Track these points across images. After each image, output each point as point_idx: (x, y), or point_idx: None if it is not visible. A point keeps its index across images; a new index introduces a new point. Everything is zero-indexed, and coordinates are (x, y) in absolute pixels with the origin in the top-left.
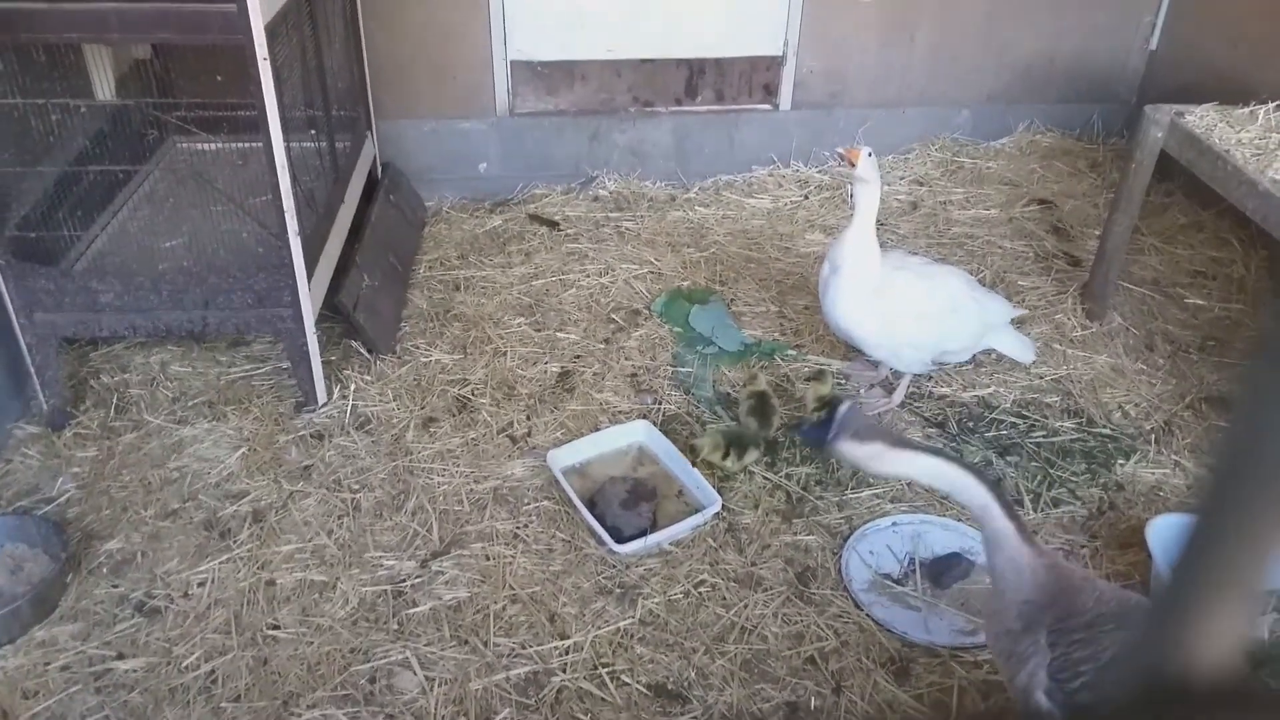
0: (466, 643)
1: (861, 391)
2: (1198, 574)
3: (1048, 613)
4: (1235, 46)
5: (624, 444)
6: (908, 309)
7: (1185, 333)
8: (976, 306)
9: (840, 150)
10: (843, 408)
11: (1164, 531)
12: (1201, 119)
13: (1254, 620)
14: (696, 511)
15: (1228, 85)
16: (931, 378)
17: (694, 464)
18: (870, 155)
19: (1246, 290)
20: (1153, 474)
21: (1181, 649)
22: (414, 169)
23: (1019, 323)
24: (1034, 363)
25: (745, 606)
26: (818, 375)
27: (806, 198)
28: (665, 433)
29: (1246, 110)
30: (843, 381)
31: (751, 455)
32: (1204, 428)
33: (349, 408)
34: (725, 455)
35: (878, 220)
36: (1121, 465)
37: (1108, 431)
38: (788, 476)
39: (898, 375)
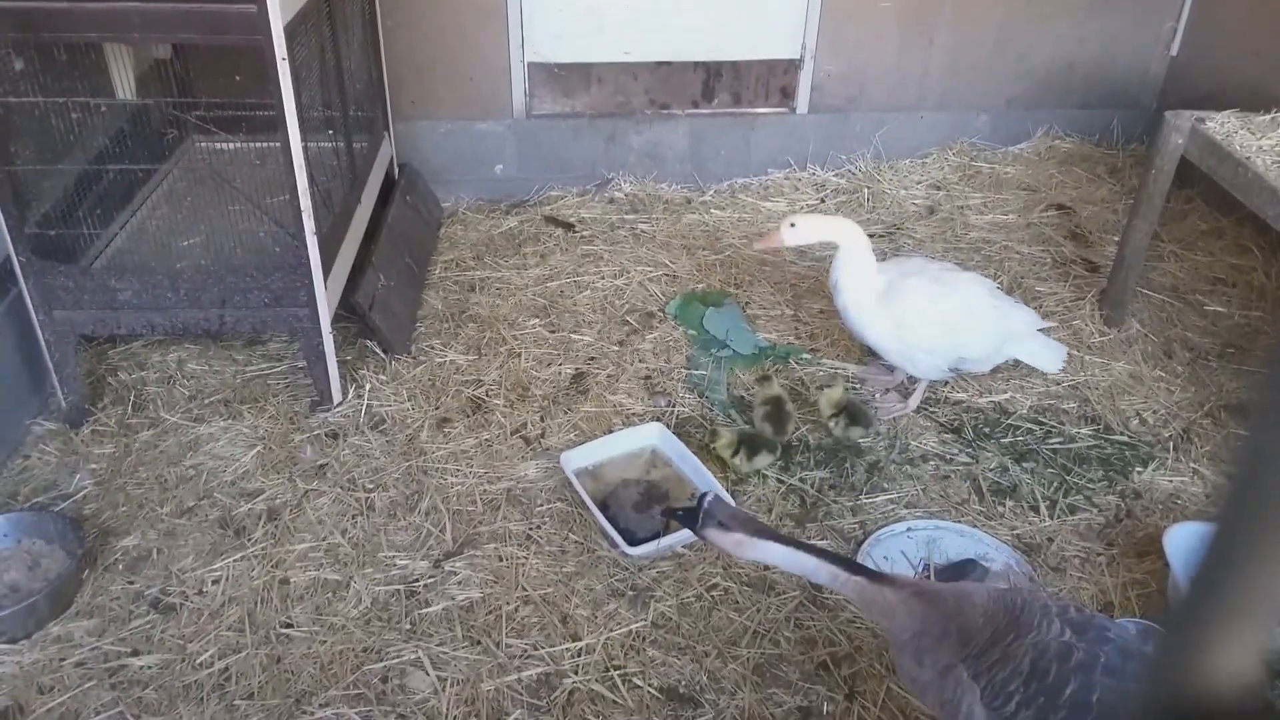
0: (479, 643)
1: (876, 396)
2: (1216, 586)
3: (949, 645)
4: (1257, 53)
5: (637, 446)
6: (917, 315)
7: (1204, 340)
8: (996, 315)
9: (759, 246)
10: (708, 499)
11: (1182, 540)
12: (1222, 125)
13: (1274, 632)
14: None
15: (1249, 92)
16: (948, 383)
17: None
18: (794, 225)
19: (1267, 297)
20: (1171, 482)
21: (1200, 664)
22: (431, 170)
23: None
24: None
25: (758, 610)
26: (832, 380)
27: (823, 201)
28: (679, 435)
29: (1268, 117)
30: (858, 386)
31: (763, 460)
32: (1223, 435)
33: (364, 407)
34: (735, 454)
35: (895, 226)
36: (1139, 473)
37: (1125, 438)
38: (801, 480)
39: (914, 380)
